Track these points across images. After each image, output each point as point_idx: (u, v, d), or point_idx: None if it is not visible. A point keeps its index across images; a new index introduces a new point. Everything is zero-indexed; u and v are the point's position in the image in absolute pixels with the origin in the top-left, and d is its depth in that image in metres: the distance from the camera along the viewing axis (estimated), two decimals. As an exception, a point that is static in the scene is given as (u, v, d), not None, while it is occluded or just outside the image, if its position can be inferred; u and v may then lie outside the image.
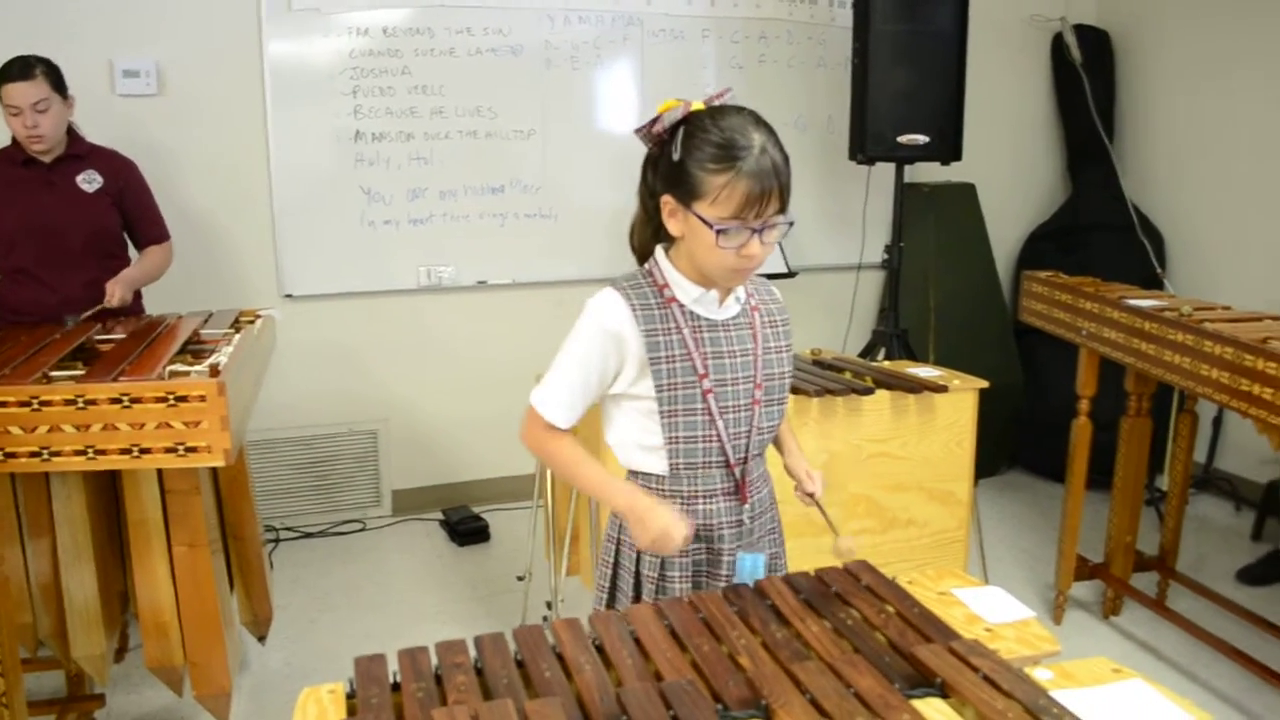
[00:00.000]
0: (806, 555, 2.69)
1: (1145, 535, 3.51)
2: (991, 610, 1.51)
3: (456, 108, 4.06)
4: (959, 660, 1.31)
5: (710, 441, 1.69)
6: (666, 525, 1.62)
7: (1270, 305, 3.39)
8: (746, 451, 1.73)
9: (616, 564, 1.78)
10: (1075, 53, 4.83)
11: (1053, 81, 5.02)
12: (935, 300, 4.49)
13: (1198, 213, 4.60)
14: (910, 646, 1.36)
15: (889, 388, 2.75)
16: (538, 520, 3.23)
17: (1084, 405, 3.26)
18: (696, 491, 1.72)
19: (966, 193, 4.67)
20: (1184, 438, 3.34)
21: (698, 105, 1.62)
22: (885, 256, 4.17)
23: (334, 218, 3.96)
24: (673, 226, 1.65)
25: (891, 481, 2.79)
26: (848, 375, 2.88)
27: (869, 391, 2.70)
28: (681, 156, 1.59)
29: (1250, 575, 3.77)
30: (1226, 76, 4.41)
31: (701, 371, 1.66)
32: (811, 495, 1.89)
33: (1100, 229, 4.73)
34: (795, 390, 2.68)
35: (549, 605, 3.10)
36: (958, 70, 4.01)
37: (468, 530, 4.00)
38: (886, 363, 3.28)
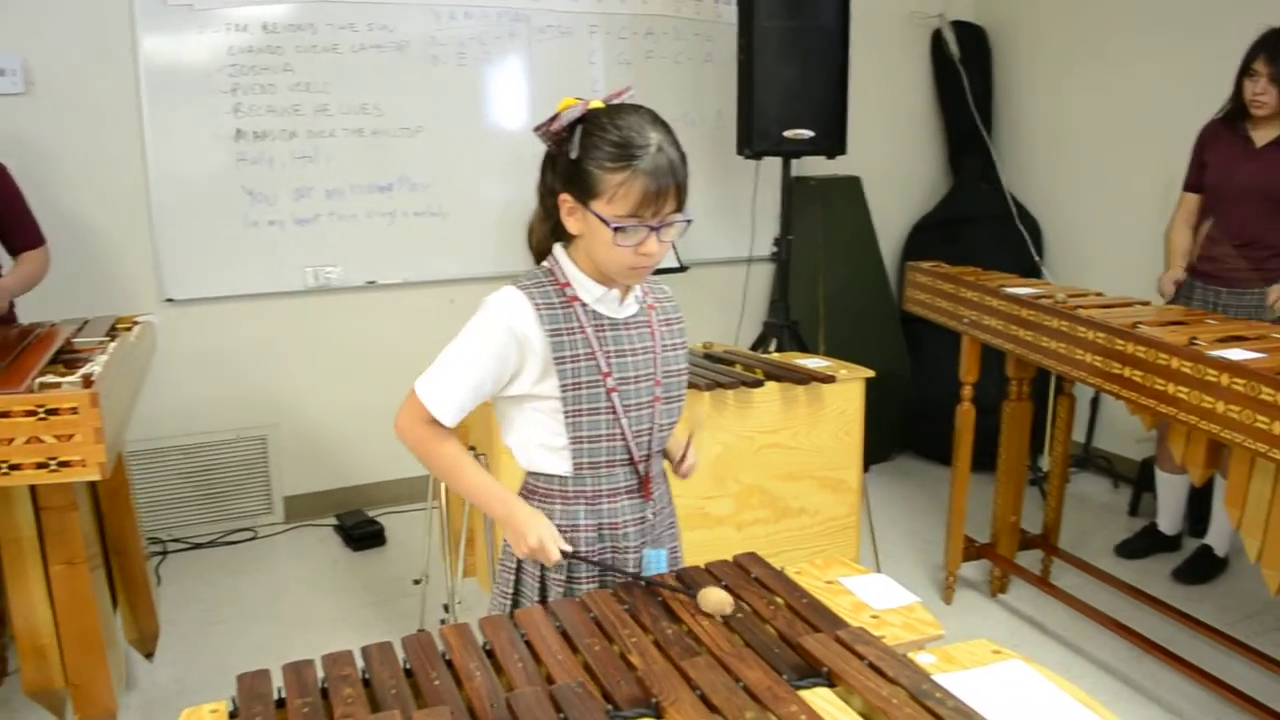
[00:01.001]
0: (698, 548, 2.73)
1: (1030, 514, 3.63)
2: (878, 597, 1.54)
3: (341, 105, 3.99)
4: (845, 649, 1.33)
5: (614, 440, 1.69)
6: (543, 537, 1.62)
7: (1140, 290, 3.54)
8: (649, 448, 1.74)
9: (520, 568, 1.76)
10: (954, 48, 4.96)
11: (933, 76, 5.15)
12: (825, 291, 4.57)
13: (1072, 202, 4.77)
14: (798, 637, 1.39)
15: (778, 379, 2.79)
16: (433, 522, 3.19)
17: (967, 391, 3.36)
18: (600, 490, 1.71)
19: (852, 185, 4.76)
20: (1063, 420, 3.46)
21: (596, 104, 1.62)
22: (775, 249, 4.23)
23: (216, 219, 3.85)
24: (571, 225, 1.65)
25: (783, 471, 2.84)
26: (738, 368, 2.91)
27: (759, 384, 2.74)
28: (579, 155, 1.59)
29: (1128, 549, 3.92)
30: (1096, 70, 4.58)
31: (605, 370, 1.66)
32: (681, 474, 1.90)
33: (981, 219, 4.87)
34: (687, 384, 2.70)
35: (446, 608, 3.07)
36: (841, 66, 4.08)
37: (363, 535, 3.93)
38: (777, 354, 3.33)
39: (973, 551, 3.51)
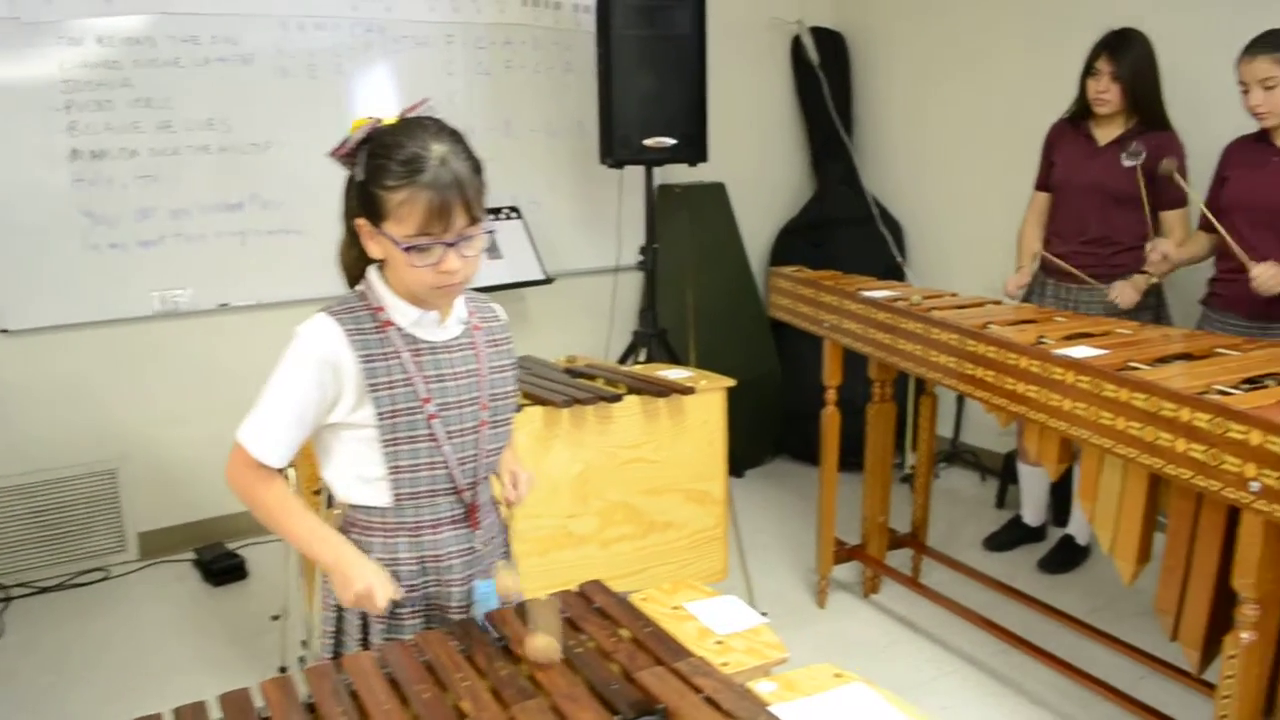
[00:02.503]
0: (562, 569, 2.68)
1: (902, 512, 3.67)
2: (723, 621, 1.51)
3: (185, 121, 3.82)
4: (682, 682, 1.29)
5: (436, 469, 1.62)
6: (371, 584, 1.54)
7: (1000, 289, 3.61)
8: (475, 476, 1.68)
9: (341, 609, 1.68)
10: (813, 54, 5.01)
11: (794, 82, 5.19)
12: (693, 298, 4.55)
13: (932, 203, 4.86)
14: (638, 671, 1.34)
15: (638, 392, 2.75)
16: (290, 554, 3.07)
17: (831, 395, 3.37)
18: (423, 521, 1.64)
19: (717, 192, 4.76)
20: (926, 419, 3.50)
21: (389, 120, 1.56)
22: (641, 258, 4.20)
23: (53, 243, 3.64)
24: (373, 249, 1.58)
25: (648, 486, 2.80)
26: (599, 382, 2.86)
27: (617, 398, 2.69)
28: (365, 177, 1.53)
29: (995, 542, 4.00)
30: (952, 73, 4.67)
31: (424, 396, 1.60)
32: (510, 504, 1.84)
33: (845, 222, 4.92)
34: (543, 402, 2.64)
35: (304, 644, 2.95)
36: (699, 74, 4.07)
37: (222, 569, 3.76)
38: (639, 367, 3.29)
39: (844, 554, 3.53)
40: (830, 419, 3.37)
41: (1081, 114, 3.50)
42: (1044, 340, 2.51)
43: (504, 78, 4.39)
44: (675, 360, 4.15)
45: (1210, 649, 2.20)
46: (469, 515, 1.68)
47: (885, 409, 3.40)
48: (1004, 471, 4.41)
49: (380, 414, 1.57)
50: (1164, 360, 2.36)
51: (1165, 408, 2.06)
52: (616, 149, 4.01)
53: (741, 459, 4.74)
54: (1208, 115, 3.41)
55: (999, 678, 3.10)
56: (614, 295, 4.70)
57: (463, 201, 1.50)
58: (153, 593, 3.74)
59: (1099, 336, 2.59)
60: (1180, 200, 3.35)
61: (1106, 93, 3.35)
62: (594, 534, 2.74)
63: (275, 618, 3.19)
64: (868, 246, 4.86)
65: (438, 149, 1.49)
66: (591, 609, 1.54)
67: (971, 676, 3.12)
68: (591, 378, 2.91)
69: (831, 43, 5.08)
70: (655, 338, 4.15)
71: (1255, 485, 1.88)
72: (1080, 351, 2.37)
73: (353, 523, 1.66)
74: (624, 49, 3.97)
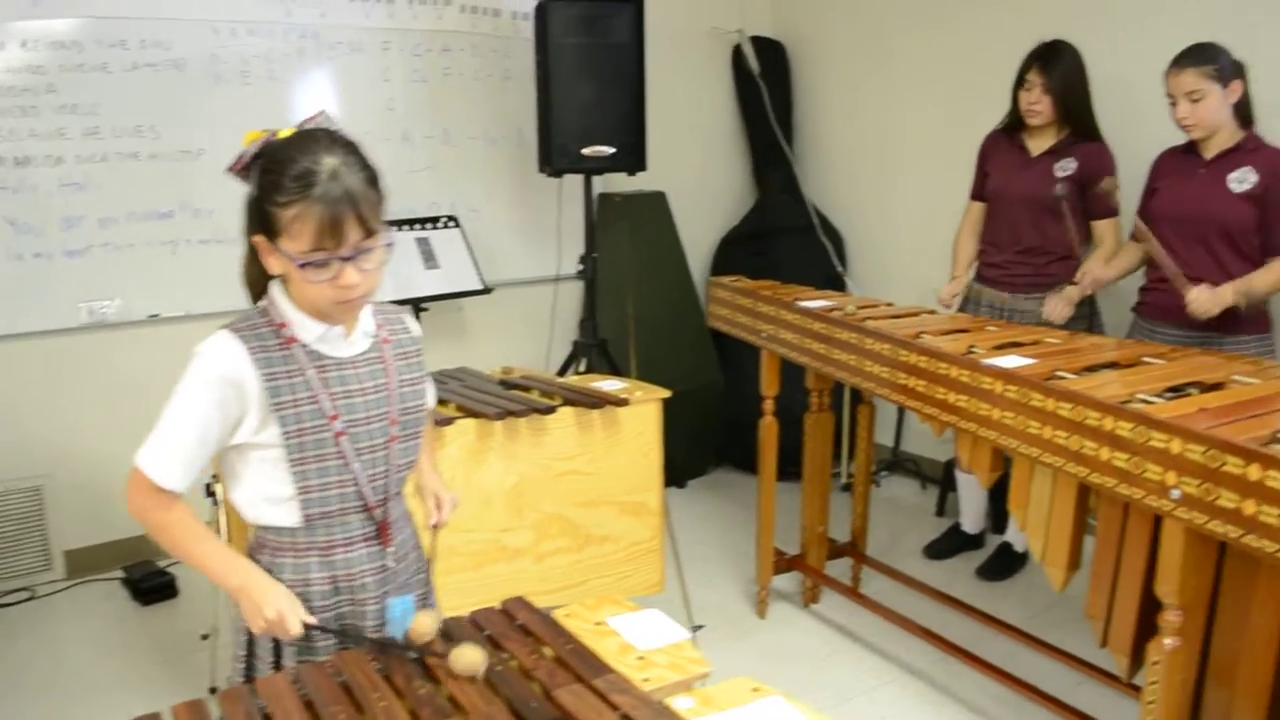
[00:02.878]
0: (496, 584, 2.65)
1: (843, 521, 3.68)
2: (645, 637, 1.49)
3: (114, 128, 3.73)
4: (600, 700, 1.27)
5: (346, 486, 1.59)
6: (281, 610, 1.51)
7: (932, 299, 3.64)
8: (386, 492, 1.65)
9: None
10: (753, 63, 5.02)
11: (735, 91, 5.20)
12: (634, 308, 4.54)
13: (872, 212, 4.89)
14: (556, 689, 1.32)
15: (573, 404, 2.73)
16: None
17: (769, 405, 3.37)
18: (334, 540, 1.61)
19: (658, 201, 4.76)
20: (864, 429, 3.51)
21: (285, 132, 1.52)
22: (581, 267, 4.18)
23: (-26, 254, 3.56)
24: (272, 266, 1.55)
25: (583, 498, 2.77)
26: (534, 394, 2.83)
27: (550, 410, 2.67)
28: (258, 193, 1.50)
29: (934, 550, 4.02)
30: (889, 84, 4.71)
31: (331, 414, 1.56)
32: (435, 526, 1.82)
33: (786, 231, 4.94)
34: (476, 414, 2.61)
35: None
36: (638, 83, 4.06)
37: (152, 587, 3.67)
38: (575, 378, 3.26)
39: (783, 564, 3.53)
40: (768, 429, 3.37)
41: (1014, 125, 3.54)
42: (974, 350, 2.53)
43: (442, 85, 4.36)
44: (616, 370, 4.14)
45: (1139, 655, 2.22)
46: (380, 533, 1.65)
47: (823, 419, 3.41)
48: (944, 479, 4.44)
49: (286, 433, 1.54)
50: (1091, 369, 2.38)
51: (1090, 417, 2.08)
52: (555, 158, 3.99)
53: (684, 469, 4.73)
54: (1138, 126, 3.47)
55: (938, 686, 3.11)
56: (554, 305, 4.67)
57: (356, 215, 1.46)
58: (80, 612, 3.65)
59: (1029, 346, 2.61)
60: (1112, 210, 3.40)
61: (1038, 104, 3.39)
62: (529, 547, 2.71)
63: (205, 637, 3.12)
64: (809, 256, 4.88)
65: (329, 162, 1.46)
66: (514, 626, 1.51)
67: (910, 685, 3.13)
68: (526, 389, 2.88)
69: (772, 52, 5.10)
70: (595, 348, 4.13)
71: (1175, 493, 1.90)
72: (1009, 361, 2.38)
73: (263, 544, 1.62)
74: (562, 57, 3.95)
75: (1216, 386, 2.25)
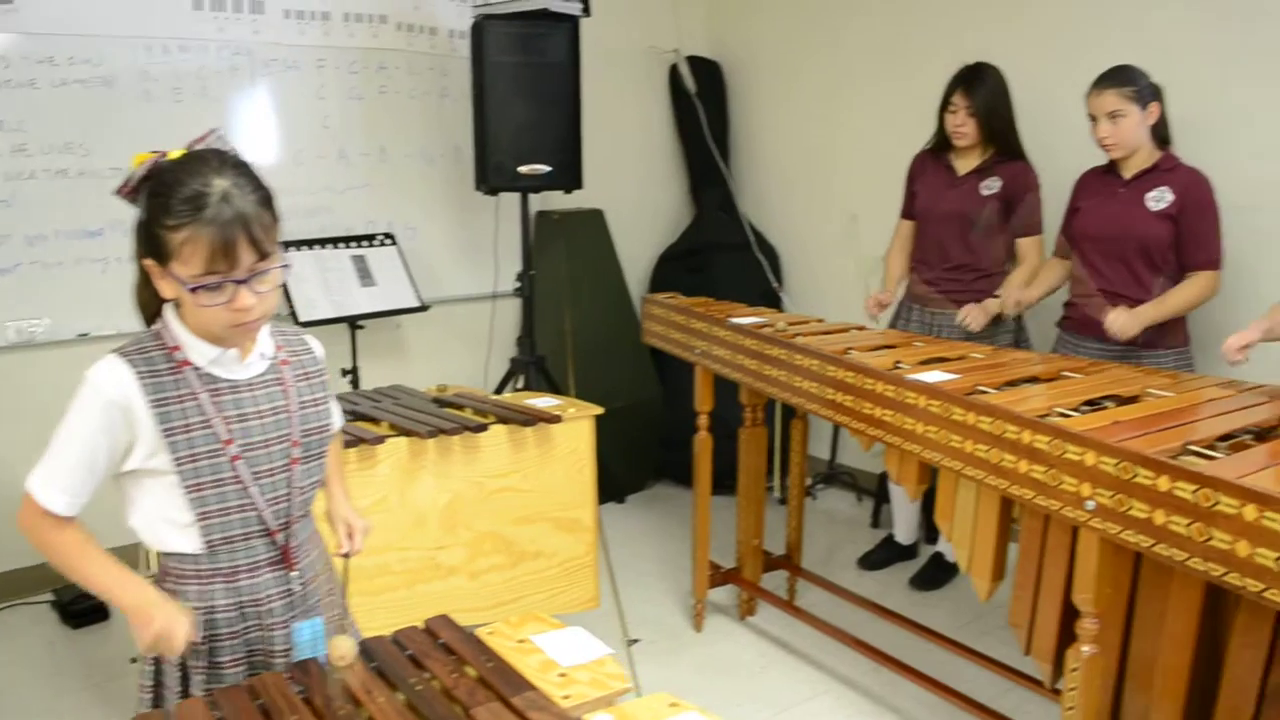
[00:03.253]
0: (430, 602, 2.64)
1: (780, 534, 3.71)
2: (568, 653, 1.50)
3: (41, 145, 3.68)
4: (518, 718, 1.28)
5: (246, 511, 1.58)
6: (168, 624, 1.49)
7: (864, 316, 3.69)
8: (289, 516, 1.63)
9: (159, 657, 1.62)
10: (690, 82, 5.08)
11: (672, 109, 5.25)
12: (572, 324, 4.56)
13: (806, 229, 4.96)
14: (475, 707, 1.33)
15: (506, 422, 2.74)
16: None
17: (703, 420, 3.40)
18: (238, 566, 1.59)
19: (595, 219, 4.78)
20: (798, 443, 3.56)
21: (175, 153, 1.50)
22: (518, 284, 4.19)
23: (-105, 272, 3.49)
24: (164, 290, 1.52)
25: (517, 515, 2.78)
26: (468, 412, 2.84)
27: (483, 428, 2.67)
28: (146, 217, 1.48)
29: (869, 561, 4.08)
30: (822, 104, 4.78)
31: (226, 438, 1.55)
32: (346, 555, 1.80)
33: (723, 248, 4.98)
34: (408, 433, 2.61)
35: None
36: (574, 101, 4.08)
37: (82, 610, 3.61)
38: (510, 395, 3.27)
39: (719, 578, 3.56)
40: (702, 444, 3.40)
41: (941, 146, 3.61)
42: (900, 365, 2.58)
43: (378, 103, 4.35)
44: (554, 387, 4.15)
45: (1062, 661, 2.27)
46: (285, 557, 1.64)
47: (757, 434, 3.44)
48: (879, 491, 4.50)
49: (178, 459, 1.52)
50: (1013, 384, 2.44)
51: (1009, 430, 2.13)
52: (491, 176, 4.00)
53: (624, 484, 4.75)
54: (1060, 146, 3.56)
55: (872, 696, 3.15)
56: (492, 322, 4.67)
57: (249, 237, 1.45)
58: (6, 636, 3.57)
59: (954, 361, 2.67)
60: (1035, 228, 3.49)
61: (963, 126, 3.46)
62: (463, 565, 2.71)
63: (134, 660, 3.07)
64: (745, 273, 4.93)
65: (220, 184, 1.44)
66: (437, 645, 1.52)
67: (844, 696, 3.17)
68: (460, 407, 2.88)
69: (708, 71, 5.16)
70: (533, 364, 4.14)
71: (1090, 504, 1.96)
72: (933, 376, 2.43)
73: (166, 571, 1.61)
74: (498, 76, 3.97)
75: (1132, 400, 2.32)
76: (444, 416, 2.75)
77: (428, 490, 2.63)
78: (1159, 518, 1.84)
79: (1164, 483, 1.82)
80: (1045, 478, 2.06)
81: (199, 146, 1.52)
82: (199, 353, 1.55)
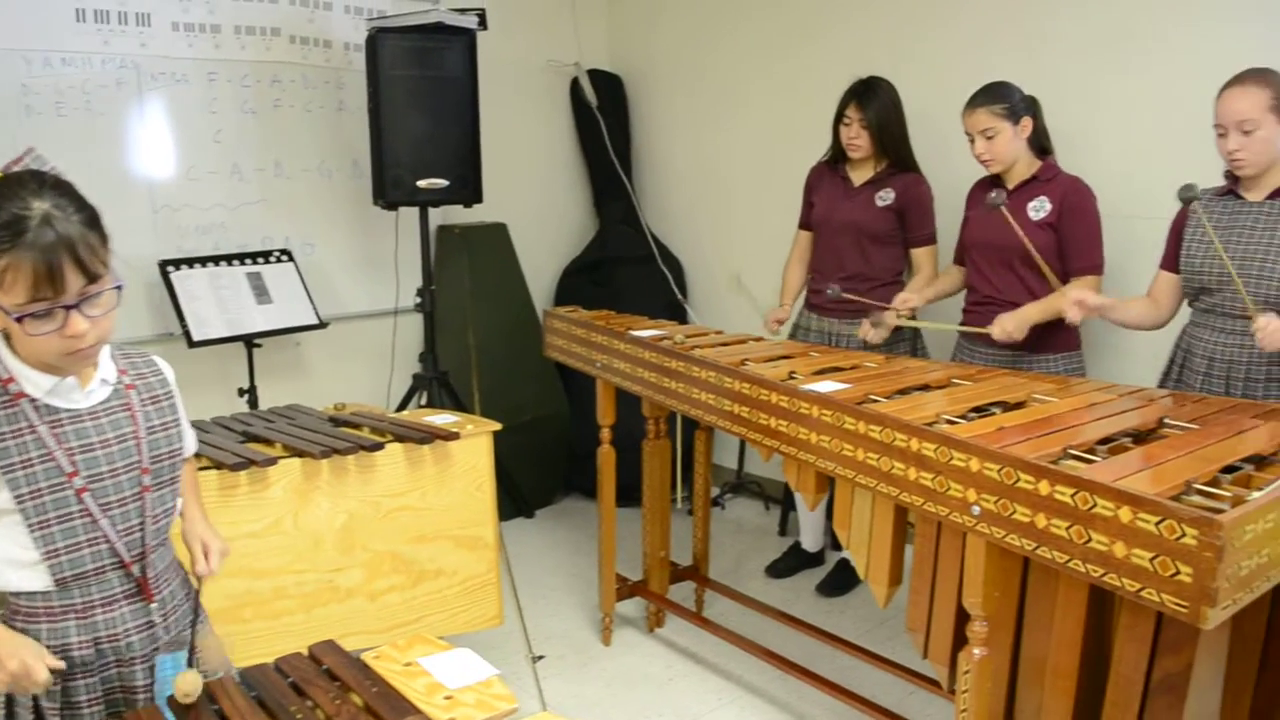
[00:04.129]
0: (327, 624, 2.59)
1: (689, 545, 3.72)
2: (455, 675, 1.48)
3: (-88, 161, 3.54)
4: (399, 743, 1.26)
5: (97, 544, 1.52)
6: (26, 661, 1.43)
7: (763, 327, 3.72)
8: (143, 546, 1.58)
9: (11, 698, 1.54)
10: (590, 96, 5.08)
11: (574, 123, 5.25)
12: (475, 339, 4.52)
13: (710, 241, 5.00)
14: (355, 735, 1.30)
15: (402, 440, 2.70)
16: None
17: (605, 434, 3.40)
18: (92, 601, 1.54)
19: (498, 232, 4.75)
20: (702, 454, 3.58)
21: None
22: (419, 300, 4.14)
23: None
24: None
25: (415, 534, 2.74)
26: (365, 430, 2.79)
27: (378, 447, 2.63)
28: None
29: (776, 569, 4.11)
30: (722, 117, 4.83)
31: (70, 470, 1.49)
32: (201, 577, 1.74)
33: (627, 261, 4.99)
34: (301, 453, 2.56)
35: None
36: (472, 115, 4.06)
37: None
38: (408, 412, 3.23)
39: (626, 590, 3.55)
40: (605, 457, 3.40)
41: (837, 158, 3.67)
42: (795, 375, 2.61)
43: (272, 116, 4.27)
44: (458, 402, 4.11)
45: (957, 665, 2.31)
46: (142, 588, 1.58)
47: (660, 445, 3.45)
48: (785, 499, 4.54)
49: (19, 496, 1.46)
50: (904, 392, 2.48)
51: (898, 439, 2.16)
52: (389, 190, 3.95)
53: (532, 498, 4.72)
54: (952, 157, 3.63)
55: (778, 703, 3.18)
56: (394, 338, 4.60)
57: (75, 261, 1.40)
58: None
59: (847, 370, 2.71)
60: (929, 238, 3.56)
61: (857, 139, 3.52)
62: (361, 586, 2.66)
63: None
64: (650, 285, 4.95)
65: (40, 207, 1.39)
66: (320, 671, 1.49)
67: (751, 704, 3.19)
68: (357, 426, 2.83)
69: (610, 85, 5.17)
70: (436, 380, 4.10)
71: (976, 509, 2.00)
72: (825, 386, 2.46)
73: (15, 610, 1.54)
74: (394, 90, 3.93)
75: (1019, 405, 2.37)
76: (339, 436, 2.70)
77: (323, 511, 2.58)
78: (1040, 521, 1.88)
79: (1044, 487, 1.86)
80: (934, 484, 2.09)
81: (15, 168, 1.46)
82: (34, 384, 1.50)
